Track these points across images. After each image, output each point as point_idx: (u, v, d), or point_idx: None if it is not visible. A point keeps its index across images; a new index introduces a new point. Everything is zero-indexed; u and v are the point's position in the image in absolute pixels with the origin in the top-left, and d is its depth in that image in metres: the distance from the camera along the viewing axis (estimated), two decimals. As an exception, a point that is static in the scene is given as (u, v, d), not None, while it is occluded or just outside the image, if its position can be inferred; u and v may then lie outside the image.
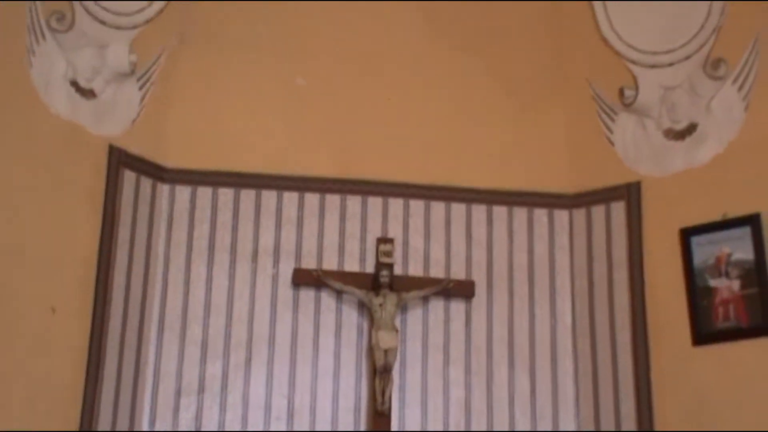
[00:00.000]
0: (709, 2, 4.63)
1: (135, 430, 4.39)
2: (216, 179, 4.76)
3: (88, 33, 4.49)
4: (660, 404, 4.47)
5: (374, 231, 4.79)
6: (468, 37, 5.05)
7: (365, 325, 4.62)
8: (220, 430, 4.47)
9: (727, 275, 4.39)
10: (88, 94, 4.49)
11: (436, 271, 4.76)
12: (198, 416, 4.47)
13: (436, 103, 5.00)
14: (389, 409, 4.43)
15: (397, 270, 4.67)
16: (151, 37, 4.70)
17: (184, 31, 4.82)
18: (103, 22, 4.54)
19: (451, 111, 5.00)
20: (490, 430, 4.61)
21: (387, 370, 4.43)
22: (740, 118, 4.56)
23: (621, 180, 4.81)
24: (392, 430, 4.48)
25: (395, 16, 5.00)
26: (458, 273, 4.75)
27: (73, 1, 4.36)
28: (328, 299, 4.67)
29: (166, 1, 4.66)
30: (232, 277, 4.65)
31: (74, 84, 4.45)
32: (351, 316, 4.67)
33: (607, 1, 4.87)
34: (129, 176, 4.53)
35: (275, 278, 4.68)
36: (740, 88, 4.56)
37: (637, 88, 4.80)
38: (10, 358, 3.87)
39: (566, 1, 4.97)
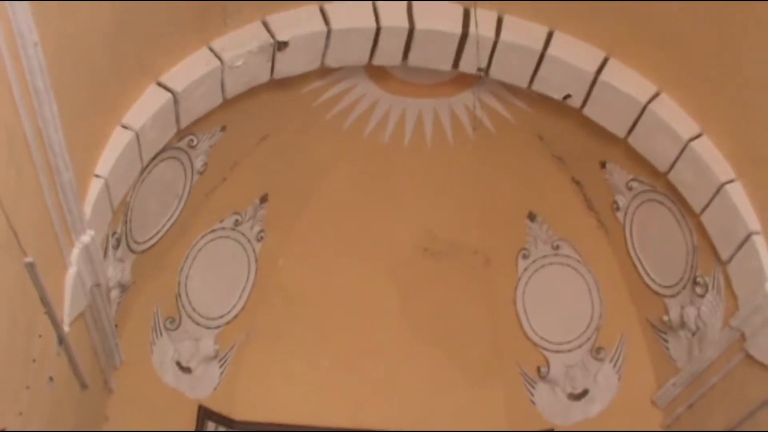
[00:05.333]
0: (591, 312, 5.99)
1: None
2: (268, 428, 6.04)
3: (188, 330, 5.93)
4: None
5: (376, 463, 5.98)
6: (434, 334, 6.35)
7: None
8: None
9: (615, 488, 5.48)
10: (186, 370, 5.88)
11: (419, 492, 5.91)
12: None
13: (413, 380, 6.27)
14: None
15: (392, 489, 5.87)
16: (229, 334, 6.11)
17: (249, 331, 6.25)
18: (198, 324, 5.98)
19: (423, 385, 6.25)
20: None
21: None
22: (616, 386, 5.77)
23: (541, 428, 6.00)
24: None
25: (384, 320, 6.33)
26: (432, 493, 5.93)
27: (181, 311, 5.95)
28: None
29: (237, 313, 6.17)
30: (276, 500, 5.88)
31: (178, 363, 5.84)
32: None
33: (527, 307, 6.18)
34: (210, 425, 5.86)
35: (306, 501, 5.89)
36: (615, 365, 5.80)
37: (548, 367, 6.07)
38: None
39: (500, 313, 6.33)
